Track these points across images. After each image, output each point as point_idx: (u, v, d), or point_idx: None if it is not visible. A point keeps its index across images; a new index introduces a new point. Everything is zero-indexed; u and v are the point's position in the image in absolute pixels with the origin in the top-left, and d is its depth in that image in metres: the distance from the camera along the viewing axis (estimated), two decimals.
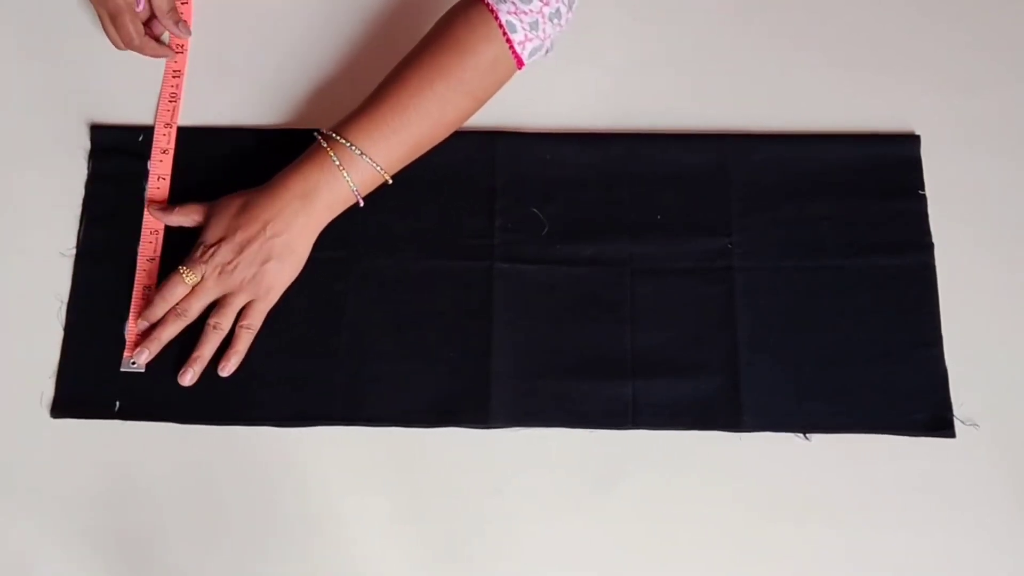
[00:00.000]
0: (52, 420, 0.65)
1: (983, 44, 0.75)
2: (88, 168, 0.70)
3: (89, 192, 0.70)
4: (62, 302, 0.67)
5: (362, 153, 0.63)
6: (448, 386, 0.65)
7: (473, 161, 0.70)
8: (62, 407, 0.65)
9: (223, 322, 0.64)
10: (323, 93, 0.73)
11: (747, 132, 0.71)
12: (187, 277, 0.64)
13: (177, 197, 0.69)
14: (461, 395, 0.65)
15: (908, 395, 0.65)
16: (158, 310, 0.65)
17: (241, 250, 0.64)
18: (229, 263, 0.64)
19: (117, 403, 0.65)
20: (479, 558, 0.63)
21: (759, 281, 0.67)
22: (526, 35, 0.63)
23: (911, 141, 0.71)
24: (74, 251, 0.68)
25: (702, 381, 0.65)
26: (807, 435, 0.65)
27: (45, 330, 0.67)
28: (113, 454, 0.64)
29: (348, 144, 0.63)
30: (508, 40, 0.63)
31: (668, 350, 0.66)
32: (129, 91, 0.73)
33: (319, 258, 0.67)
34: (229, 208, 0.65)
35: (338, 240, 0.68)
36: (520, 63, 0.65)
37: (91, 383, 0.65)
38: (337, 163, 0.63)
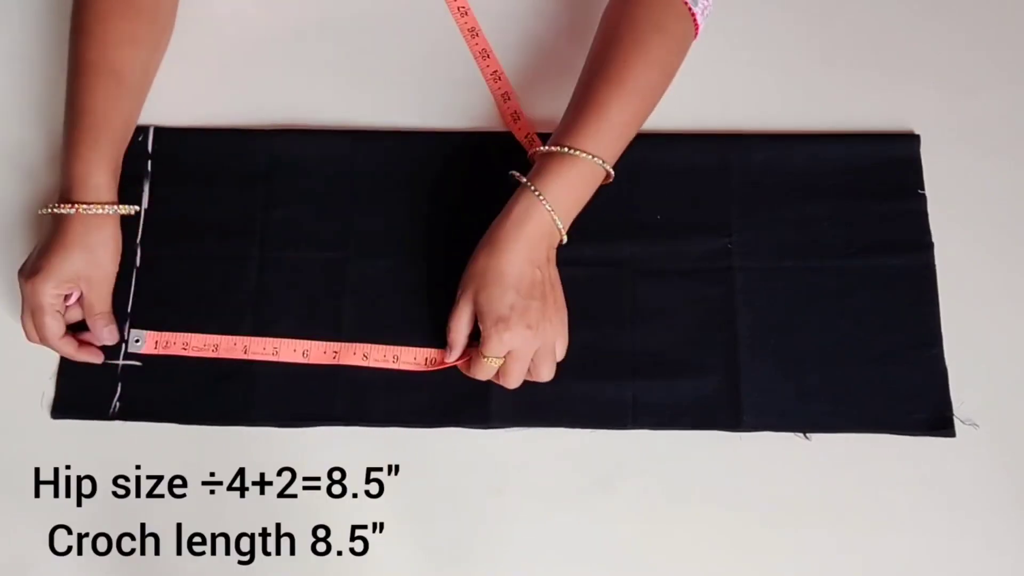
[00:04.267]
0: (52, 420, 0.65)
1: (983, 44, 0.75)
2: None
3: None
4: None
5: (592, 156, 0.61)
6: (448, 386, 0.65)
7: (473, 161, 0.70)
8: (62, 407, 0.65)
9: (544, 375, 0.63)
10: (322, 93, 0.73)
11: (747, 132, 0.71)
12: (491, 361, 0.61)
13: (175, 196, 0.69)
14: (461, 395, 0.65)
15: (908, 395, 0.65)
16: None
17: (535, 300, 0.61)
18: (532, 321, 0.60)
19: (117, 404, 0.65)
20: (479, 558, 0.63)
21: (759, 281, 0.67)
22: (704, 5, 0.65)
23: (911, 141, 0.71)
24: None
25: (702, 381, 0.65)
26: (807, 435, 0.65)
27: None
28: (113, 454, 0.65)
29: (577, 152, 0.61)
30: (692, 13, 0.64)
31: (668, 350, 0.66)
32: None
33: (318, 259, 0.67)
34: (484, 270, 0.61)
35: (338, 241, 0.68)
36: (697, 30, 0.66)
37: (91, 384, 0.65)
38: (540, 196, 0.61)
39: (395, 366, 0.65)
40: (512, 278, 0.60)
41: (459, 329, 0.62)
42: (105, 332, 0.65)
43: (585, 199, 0.63)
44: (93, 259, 0.63)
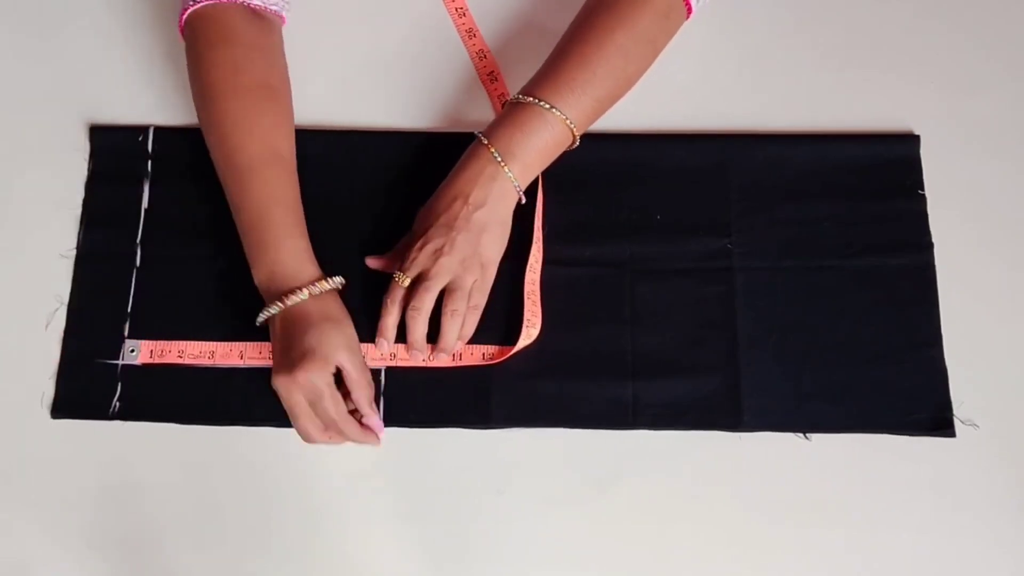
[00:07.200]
0: (52, 420, 0.65)
1: (983, 44, 0.75)
2: (88, 169, 0.71)
3: (89, 193, 0.70)
4: (62, 303, 0.67)
5: (552, 107, 0.62)
6: (448, 386, 0.65)
7: None
8: (62, 407, 0.65)
9: (459, 307, 0.63)
10: (321, 93, 0.73)
11: (747, 132, 0.71)
12: (402, 280, 0.63)
13: (175, 196, 0.69)
14: (461, 395, 0.65)
15: (908, 395, 0.65)
16: (390, 320, 0.64)
17: (450, 230, 0.62)
18: (442, 247, 0.62)
19: (116, 404, 0.65)
20: (479, 558, 0.63)
21: (759, 281, 0.67)
22: None
23: (911, 141, 0.71)
24: (74, 253, 0.68)
25: (702, 381, 0.65)
26: (807, 435, 0.65)
27: (45, 331, 0.67)
28: (113, 454, 0.65)
29: (538, 101, 0.62)
30: None
31: (668, 350, 0.66)
32: (129, 91, 0.73)
33: (317, 259, 0.67)
34: (424, 208, 0.65)
35: (336, 240, 0.68)
36: (689, 10, 0.66)
37: (91, 384, 0.65)
38: (485, 140, 0.63)
39: (392, 363, 0.65)
40: (438, 206, 0.63)
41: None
42: (368, 400, 0.62)
43: (540, 148, 0.63)
44: (343, 328, 0.61)
